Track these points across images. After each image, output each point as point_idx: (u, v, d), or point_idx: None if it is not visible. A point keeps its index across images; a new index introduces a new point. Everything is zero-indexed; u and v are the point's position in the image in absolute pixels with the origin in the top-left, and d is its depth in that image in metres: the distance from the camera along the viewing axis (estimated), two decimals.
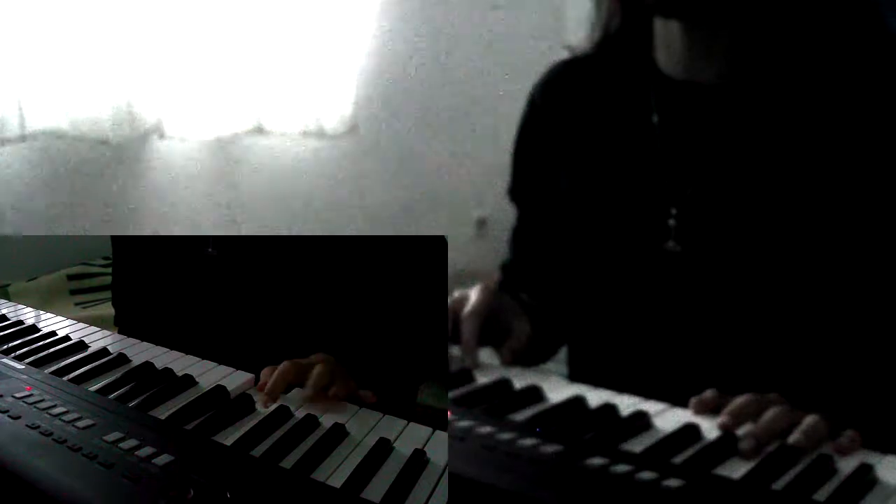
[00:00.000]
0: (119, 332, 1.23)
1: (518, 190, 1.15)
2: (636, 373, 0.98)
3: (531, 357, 1.08)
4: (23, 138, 2.15)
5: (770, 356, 0.94)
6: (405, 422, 0.87)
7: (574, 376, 1.06)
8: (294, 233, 2.81)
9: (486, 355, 0.95)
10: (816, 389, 0.94)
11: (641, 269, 0.98)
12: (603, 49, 1.04)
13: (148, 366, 1.00)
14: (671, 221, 0.96)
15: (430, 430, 0.85)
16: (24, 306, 1.33)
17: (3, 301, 1.40)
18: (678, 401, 0.78)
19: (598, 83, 1.05)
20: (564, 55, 1.11)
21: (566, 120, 1.07)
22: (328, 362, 0.99)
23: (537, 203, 1.12)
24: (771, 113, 0.93)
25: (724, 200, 0.94)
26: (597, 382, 0.84)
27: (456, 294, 0.97)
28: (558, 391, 0.83)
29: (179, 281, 1.22)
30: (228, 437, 0.81)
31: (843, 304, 0.93)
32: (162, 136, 2.42)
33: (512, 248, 1.17)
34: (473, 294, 0.96)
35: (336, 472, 0.76)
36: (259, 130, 2.62)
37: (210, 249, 1.17)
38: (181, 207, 2.56)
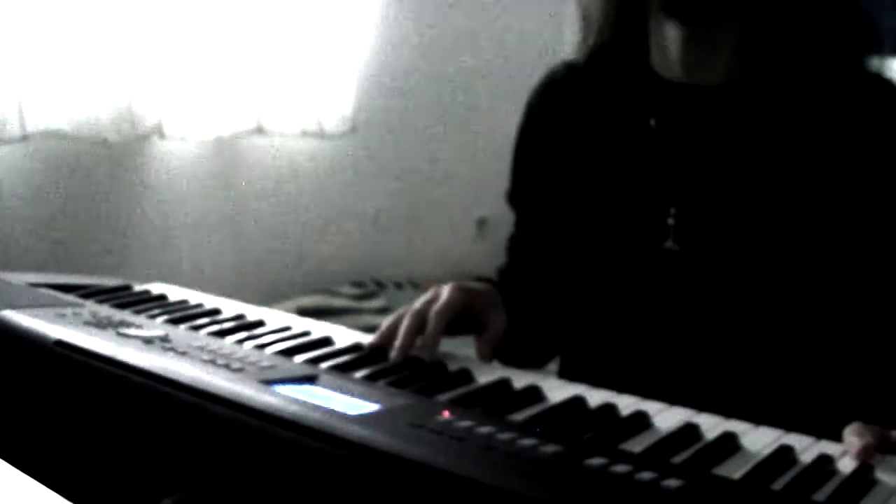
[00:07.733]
0: None
1: (517, 195, 1.16)
2: (633, 372, 0.98)
3: (522, 359, 1.08)
4: (23, 138, 2.15)
5: (768, 355, 0.95)
6: None
7: (566, 377, 1.06)
8: (293, 233, 2.82)
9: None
10: (813, 388, 0.95)
11: (641, 269, 0.98)
12: (598, 56, 1.04)
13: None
14: (670, 221, 0.96)
15: None
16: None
17: None
18: (675, 400, 0.78)
19: (594, 87, 1.05)
20: (564, 56, 1.12)
21: (564, 125, 1.07)
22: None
23: (536, 208, 1.12)
24: (770, 114, 0.93)
25: (722, 200, 0.94)
26: (591, 383, 0.84)
27: (430, 291, 0.96)
28: (558, 391, 0.83)
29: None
30: None
31: (841, 303, 0.93)
32: (162, 136, 2.42)
33: (509, 253, 1.17)
34: (444, 292, 0.95)
35: None
36: (259, 130, 2.62)
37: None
38: (181, 207, 2.56)
